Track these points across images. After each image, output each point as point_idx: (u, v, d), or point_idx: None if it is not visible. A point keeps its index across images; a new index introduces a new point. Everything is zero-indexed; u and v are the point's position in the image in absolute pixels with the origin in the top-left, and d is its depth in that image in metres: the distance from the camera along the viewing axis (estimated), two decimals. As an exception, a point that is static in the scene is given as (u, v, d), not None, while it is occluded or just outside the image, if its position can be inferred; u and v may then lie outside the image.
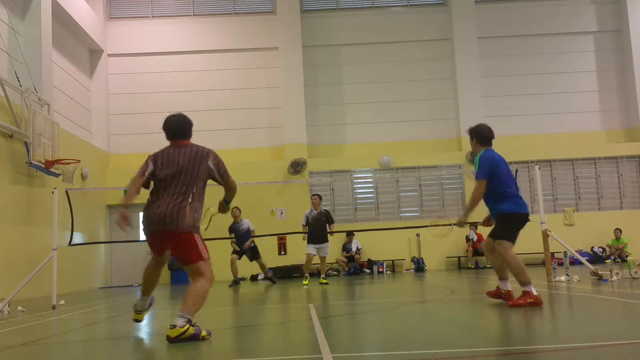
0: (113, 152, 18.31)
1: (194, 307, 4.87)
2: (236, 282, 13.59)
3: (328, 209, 13.86)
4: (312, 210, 12.76)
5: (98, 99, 18.01)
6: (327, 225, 12.65)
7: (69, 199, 10.38)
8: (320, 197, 12.92)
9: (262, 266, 14.00)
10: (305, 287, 11.80)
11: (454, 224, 7.03)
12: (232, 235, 13.54)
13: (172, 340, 4.71)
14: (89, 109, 17.64)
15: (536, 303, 6.07)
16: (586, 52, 19.22)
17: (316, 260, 13.10)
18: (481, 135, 6.86)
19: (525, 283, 6.20)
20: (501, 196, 6.53)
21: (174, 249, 5.07)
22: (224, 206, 5.51)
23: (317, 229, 12.51)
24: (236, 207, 13.51)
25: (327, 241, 12.66)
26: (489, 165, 6.52)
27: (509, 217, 6.47)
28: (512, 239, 6.45)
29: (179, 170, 5.10)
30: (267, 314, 7.40)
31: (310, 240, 12.57)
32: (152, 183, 5.25)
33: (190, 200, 5.05)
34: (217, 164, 5.18)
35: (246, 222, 13.64)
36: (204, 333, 4.89)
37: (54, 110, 14.03)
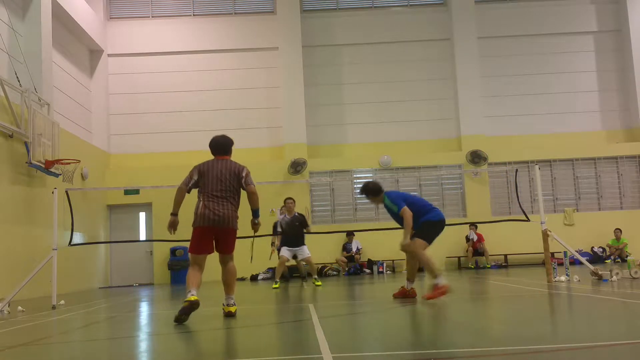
0: (113, 152, 18.31)
1: (235, 285, 6.65)
2: (283, 280, 12.96)
3: (302, 213, 13.23)
4: (285, 215, 12.32)
5: (98, 99, 18.02)
6: (303, 229, 12.20)
7: (69, 199, 10.37)
8: (294, 201, 12.46)
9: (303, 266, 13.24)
10: (275, 289, 11.49)
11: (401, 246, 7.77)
12: (279, 230, 12.56)
13: (234, 315, 6.42)
14: (89, 109, 17.65)
15: (446, 292, 6.96)
16: (586, 52, 19.22)
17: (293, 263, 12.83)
18: (372, 191, 7.84)
19: (436, 276, 7.06)
20: (421, 213, 7.63)
21: (223, 240, 6.52)
22: (255, 223, 6.77)
23: (292, 234, 12.08)
24: (290, 198, 12.57)
25: (304, 244, 12.20)
26: (400, 196, 7.72)
27: (427, 224, 7.58)
28: (428, 239, 7.58)
29: (226, 181, 6.54)
30: (267, 314, 7.40)
31: (285, 243, 12.16)
32: (198, 189, 6.61)
33: (237, 207, 6.60)
34: (246, 175, 6.65)
35: (297, 217, 12.73)
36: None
37: (54, 110, 14.04)
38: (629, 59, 18.81)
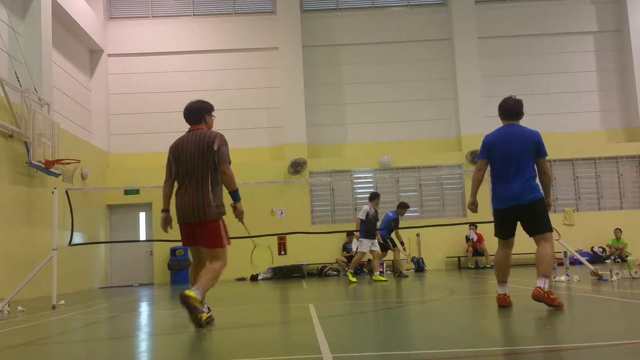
0: (113, 152, 18.31)
1: (207, 285, 5.35)
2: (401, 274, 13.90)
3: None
4: (372, 208, 12.88)
5: (98, 99, 18.02)
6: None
7: (69, 199, 10.37)
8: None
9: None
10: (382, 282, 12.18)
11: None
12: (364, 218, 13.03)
13: (202, 324, 5.23)
14: (89, 109, 17.65)
15: (500, 303, 6.01)
16: (586, 52, 19.22)
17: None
18: (502, 110, 6.41)
19: (498, 282, 6.12)
20: (496, 180, 6.06)
21: (199, 234, 5.50)
22: (234, 208, 5.62)
23: (374, 226, 12.87)
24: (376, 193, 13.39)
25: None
26: (484, 143, 6.19)
27: (493, 214, 6.17)
28: (499, 235, 6.13)
29: (193, 160, 5.50)
30: (267, 314, 7.39)
31: (368, 236, 12.76)
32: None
33: (210, 188, 5.47)
34: (219, 147, 5.50)
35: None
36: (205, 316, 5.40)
37: (54, 110, 14.03)
38: (629, 59, 18.81)
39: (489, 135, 6.25)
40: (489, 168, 6.16)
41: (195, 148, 5.51)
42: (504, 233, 6.08)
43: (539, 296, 5.65)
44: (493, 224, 6.23)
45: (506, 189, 5.94)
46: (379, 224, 13.24)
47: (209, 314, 5.50)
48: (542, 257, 5.81)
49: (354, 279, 12.67)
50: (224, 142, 5.56)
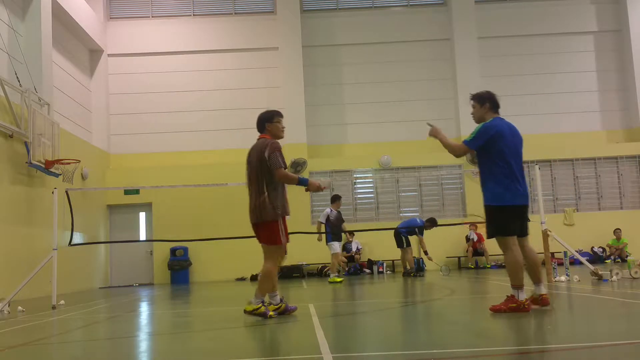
0: (113, 152, 18.31)
1: (262, 290, 6.02)
2: (408, 273, 14.25)
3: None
4: (332, 210, 13.33)
5: (98, 99, 18.02)
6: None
7: (69, 199, 10.37)
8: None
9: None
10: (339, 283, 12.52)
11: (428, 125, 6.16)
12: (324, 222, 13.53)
13: (247, 313, 5.97)
14: (89, 109, 17.64)
15: (519, 309, 5.55)
16: (586, 52, 19.22)
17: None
18: (492, 101, 6.00)
19: (514, 286, 5.65)
20: (489, 179, 5.76)
21: (258, 233, 6.09)
22: (310, 191, 6.16)
23: (339, 228, 13.46)
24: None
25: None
26: (486, 135, 5.76)
27: (489, 211, 5.79)
28: (514, 230, 5.74)
29: (252, 166, 6.04)
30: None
31: (335, 239, 13.24)
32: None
33: (267, 193, 5.95)
34: (268, 155, 5.93)
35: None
36: (271, 313, 6.04)
37: (54, 110, 14.04)
38: (629, 59, 18.81)
39: (492, 125, 5.81)
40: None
41: (254, 156, 6.04)
42: (519, 228, 5.87)
43: (548, 303, 5.86)
44: (498, 222, 5.77)
45: (521, 185, 5.85)
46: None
47: (278, 305, 6.21)
48: (536, 262, 6.00)
49: (339, 279, 12.89)
50: (273, 150, 5.96)
